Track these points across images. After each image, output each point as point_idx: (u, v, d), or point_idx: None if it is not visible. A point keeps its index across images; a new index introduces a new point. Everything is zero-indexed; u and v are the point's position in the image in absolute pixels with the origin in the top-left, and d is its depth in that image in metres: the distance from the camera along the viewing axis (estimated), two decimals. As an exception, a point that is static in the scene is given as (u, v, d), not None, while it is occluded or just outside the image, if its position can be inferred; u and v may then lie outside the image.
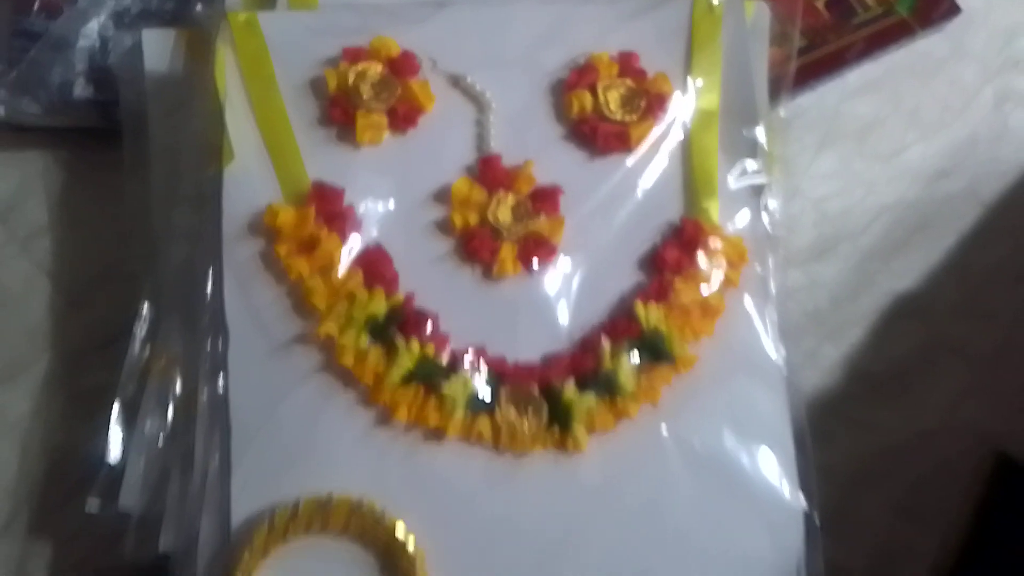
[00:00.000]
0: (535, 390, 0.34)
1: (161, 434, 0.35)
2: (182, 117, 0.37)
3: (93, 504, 0.35)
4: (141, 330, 0.37)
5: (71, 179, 0.44)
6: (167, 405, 0.35)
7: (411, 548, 0.32)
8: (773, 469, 0.35)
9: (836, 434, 0.46)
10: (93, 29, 0.42)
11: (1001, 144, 0.51)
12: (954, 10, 0.50)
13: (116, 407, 0.36)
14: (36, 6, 0.42)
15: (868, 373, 0.47)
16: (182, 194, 0.37)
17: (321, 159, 0.35)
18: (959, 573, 0.46)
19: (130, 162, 0.38)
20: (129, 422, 0.36)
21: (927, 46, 0.51)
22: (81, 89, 0.41)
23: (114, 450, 0.36)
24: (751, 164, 0.37)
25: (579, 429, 0.34)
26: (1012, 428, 0.47)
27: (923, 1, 0.49)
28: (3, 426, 0.41)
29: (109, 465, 0.36)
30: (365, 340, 0.33)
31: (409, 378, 0.33)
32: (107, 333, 0.41)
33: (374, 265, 0.34)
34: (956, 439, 0.47)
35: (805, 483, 0.36)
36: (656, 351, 0.35)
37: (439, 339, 0.34)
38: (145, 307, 0.37)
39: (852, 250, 0.49)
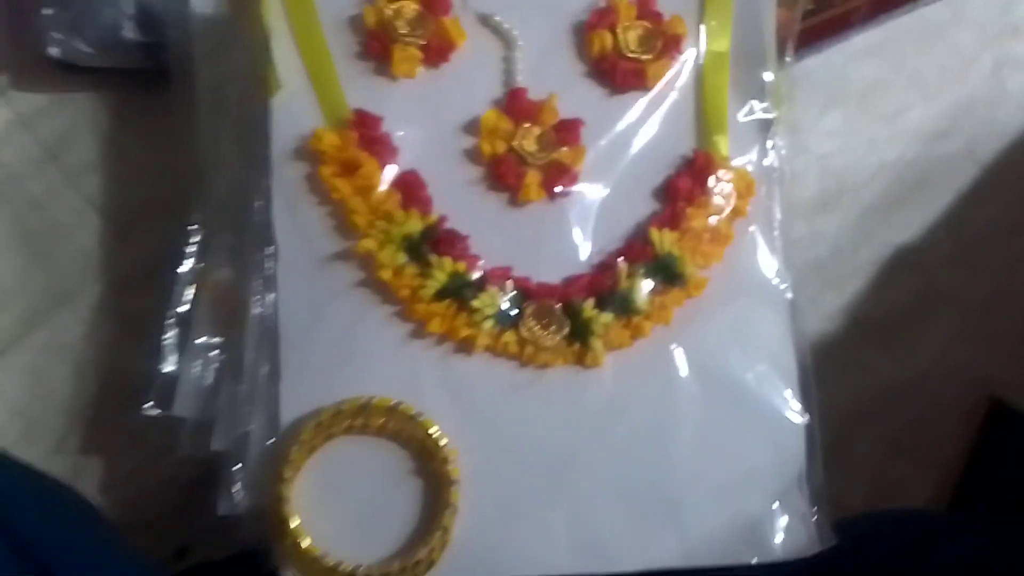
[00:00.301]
0: (557, 307, 0.37)
1: (212, 344, 0.38)
2: (227, 55, 0.40)
3: (150, 410, 0.38)
4: (192, 250, 0.39)
5: (118, 119, 0.46)
6: (218, 317, 0.38)
7: (444, 445, 0.35)
8: (776, 385, 0.38)
9: (835, 375, 0.48)
10: (141, -26, 0.44)
11: (998, 107, 0.53)
12: (955, -24, 0.52)
13: (169, 321, 0.39)
14: (87, -48, 0.44)
15: (866, 319, 0.50)
16: (229, 127, 0.39)
17: (360, 90, 0.37)
18: (954, 508, 0.48)
19: (178, 99, 0.40)
20: (182, 335, 0.38)
21: (929, 12, 0.53)
22: (129, 31, 0.43)
23: (168, 360, 0.38)
24: (759, 103, 0.39)
25: (597, 344, 0.36)
26: (1001, 373, 0.50)
27: (926, -34, 0.51)
28: (57, 349, 0.44)
29: (163, 374, 0.38)
30: (402, 257, 0.36)
31: (442, 293, 0.36)
32: (153, 262, 0.43)
33: (409, 188, 0.36)
34: (948, 382, 0.50)
35: (806, 400, 0.39)
36: (669, 274, 0.37)
37: (470, 258, 0.36)
38: (196, 229, 0.39)
39: (853, 204, 0.51)
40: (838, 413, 0.48)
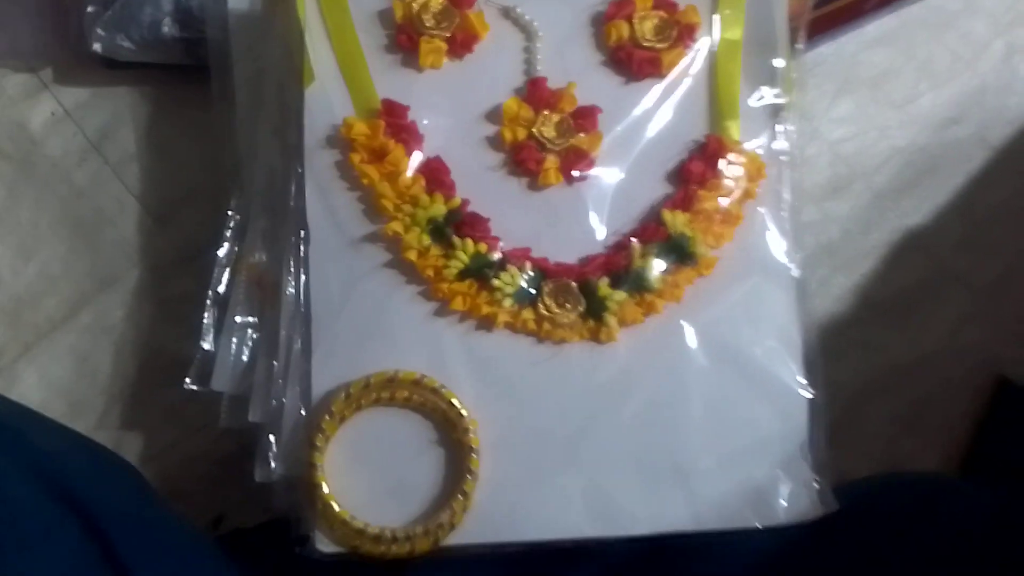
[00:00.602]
0: (574, 286, 0.38)
1: (249, 323, 0.40)
2: (263, 49, 0.42)
3: (190, 384, 0.40)
4: (229, 234, 0.41)
5: (158, 111, 0.48)
6: (254, 297, 0.40)
7: (465, 416, 0.37)
8: (783, 359, 0.39)
9: (845, 354, 0.50)
10: (179, -27, 0.46)
11: (1009, 93, 0.54)
12: (967, -35, 0.52)
13: (208, 301, 0.41)
14: (127, -48, 0.46)
15: (876, 301, 0.51)
16: (265, 117, 0.41)
17: (389, 80, 0.39)
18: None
19: (217, 93, 0.43)
20: (219, 315, 0.41)
21: (941, 0, 0.54)
22: (168, 28, 0.45)
23: (207, 338, 0.41)
24: (770, 89, 0.41)
25: (611, 321, 0.38)
26: (1010, 352, 0.51)
27: (938, -44, 0.52)
28: (100, 330, 0.47)
29: (203, 351, 0.41)
30: (426, 239, 0.38)
31: (464, 273, 0.38)
32: (191, 248, 0.46)
33: (434, 173, 0.38)
34: (957, 361, 0.51)
35: (811, 373, 0.40)
36: (681, 253, 0.39)
37: (491, 239, 0.38)
38: (233, 214, 0.41)
39: (864, 189, 0.52)
40: (848, 390, 0.50)
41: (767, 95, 0.41)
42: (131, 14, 0.45)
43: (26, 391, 0.45)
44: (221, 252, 0.41)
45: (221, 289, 0.41)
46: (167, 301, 0.47)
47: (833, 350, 0.49)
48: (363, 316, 0.38)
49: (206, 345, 0.41)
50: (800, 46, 0.45)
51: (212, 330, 0.41)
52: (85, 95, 0.49)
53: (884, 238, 0.52)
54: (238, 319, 0.40)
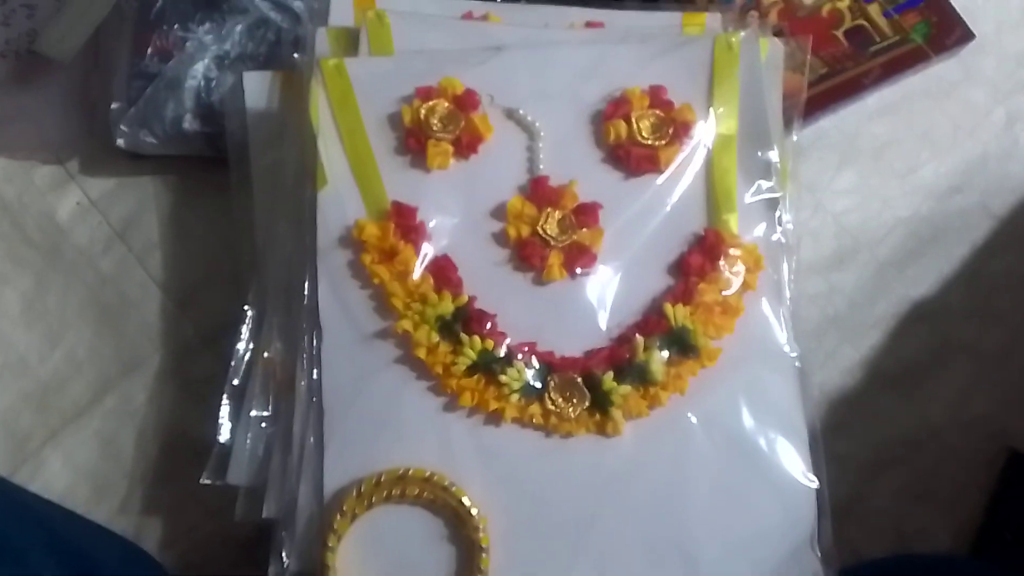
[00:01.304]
0: (579, 379, 0.39)
1: (264, 417, 0.41)
2: (279, 146, 0.43)
3: (207, 478, 0.41)
4: (246, 328, 0.43)
5: (179, 200, 0.50)
6: (269, 392, 0.41)
7: (475, 514, 0.38)
8: (787, 451, 0.40)
9: (853, 426, 0.50)
10: (199, 71, 0.48)
11: (1011, 161, 0.54)
12: (967, 36, 0.53)
13: (225, 395, 0.42)
14: (150, 51, 0.48)
15: (883, 372, 0.51)
16: (281, 211, 0.43)
17: (398, 181, 0.41)
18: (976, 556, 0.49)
19: (235, 184, 0.44)
20: (236, 407, 0.42)
21: (941, 70, 0.55)
22: (190, 123, 0.47)
23: (224, 431, 0.42)
24: (766, 182, 0.42)
25: (616, 414, 0.39)
26: (1019, 423, 0.51)
27: (937, 28, 0.53)
28: (124, 414, 0.48)
29: (219, 444, 0.42)
30: (435, 336, 0.39)
31: (472, 368, 0.39)
32: (212, 331, 0.48)
33: (442, 271, 0.40)
34: (966, 433, 0.51)
35: (816, 462, 0.40)
36: (683, 346, 0.39)
37: (497, 335, 0.39)
38: (249, 308, 0.43)
39: (869, 259, 0.52)
40: (858, 464, 0.50)
41: (763, 188, 0.42)
42: (154, 110, 0.48)
43: (52, 476, 0.47)
44: (239, 346, 0.43)
45: (236, 382, 0.42)
46: (189, 383, 0.48)
47: (841, 422, 0.50)
48: (374, 411, 0.39)
49: (222, 439, 0.42)
50: (798, 124, 0.45)
51: (229, 423, 0.42)
52: (110, 185, 0.50)
53: (890, 309, 0.52)
54: (254, 413, 0.41)
